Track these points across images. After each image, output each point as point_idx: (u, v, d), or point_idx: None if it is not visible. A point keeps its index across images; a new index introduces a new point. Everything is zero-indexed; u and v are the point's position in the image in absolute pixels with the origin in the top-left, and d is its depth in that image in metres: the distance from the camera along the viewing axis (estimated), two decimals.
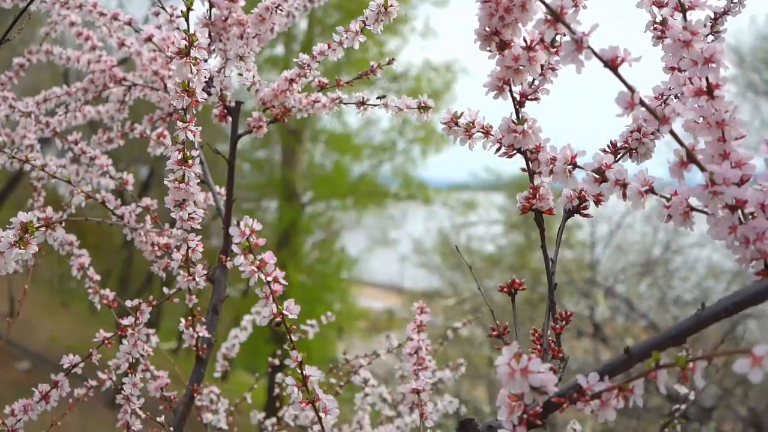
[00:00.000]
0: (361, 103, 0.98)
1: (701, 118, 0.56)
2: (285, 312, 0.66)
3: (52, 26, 1.33)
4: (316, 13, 9.06)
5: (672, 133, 0.53)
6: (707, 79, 0.55)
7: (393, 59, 1.05)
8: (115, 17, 1.12)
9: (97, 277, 1.13)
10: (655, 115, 0.52)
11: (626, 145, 0.71)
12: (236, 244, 0.63)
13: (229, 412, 1.34)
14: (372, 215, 12.13)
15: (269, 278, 0.65)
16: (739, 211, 0.54)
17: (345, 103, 0.99)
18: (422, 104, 0.87)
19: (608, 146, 0.71)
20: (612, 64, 0.52)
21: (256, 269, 0.64)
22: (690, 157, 0.53)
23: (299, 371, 0.67)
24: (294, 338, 0.70)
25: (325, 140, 11.98)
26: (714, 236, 0.54)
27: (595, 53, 0.52)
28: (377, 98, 0.96)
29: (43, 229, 0.67)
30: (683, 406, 1.11)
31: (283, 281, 0.65)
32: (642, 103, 0.52)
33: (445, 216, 11.30)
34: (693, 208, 0.56)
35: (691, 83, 0.57)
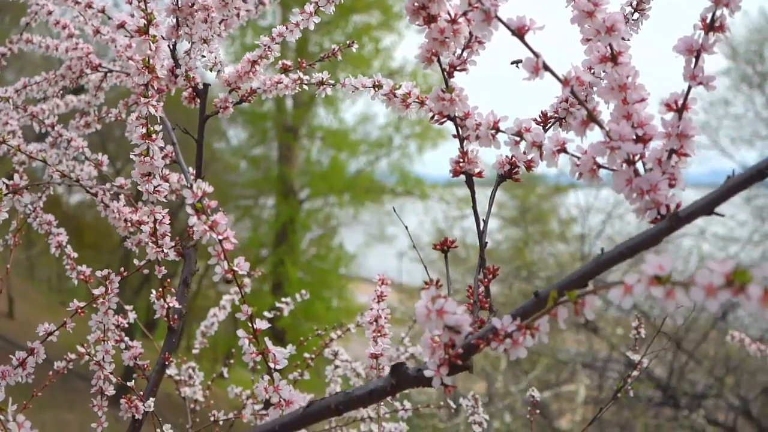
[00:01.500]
0: (321, 83, 1.03)
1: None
2: (236, 268, 0.71)
3: (32, 16, 1.38)
4: None
5: (574, 94, 0.58)
6: (611, 46, 0.60)
7: (353, 42, 1.10)
8: (89, 5, 1.17)
9: (75, 255, 1.18)
10: (557, 78, 0.57)
11: (556, 115, 0.76)
12: (189, 205, 0.68)
13: (205, 386, 1.40)
14: (369, 211, 12.19)
15: (221, 237, 0.70)
16: (640, 165, 0.60)
17: (306, 84, 1.05)
18: (376, 83, 0.93)
19: (539, 115, 0.76)
20: (519, 32, 0.58)
21: (208, 229, 0.69)
22: (591, 117, 0.58)
23: (250, 325, 0.73)
24: (246, 291, 0.75)
25: (321, 137, 12.04)
26: (615, 189, 0.59)
27: (503, 22, 0.57)
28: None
29: (11, 195, 0.72)
30: (635, 373, 1.17)
31: (233, 240, 0.70)
32: (545, 67, 0.57)
33: (441, 211, 11.36)
34: (600, 165, 0.61)
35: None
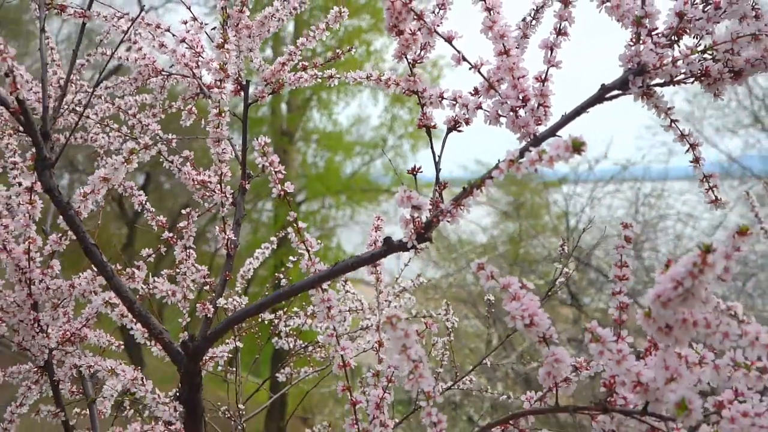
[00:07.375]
0: (331, 77, 1.48)
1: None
2: (286, 188, 1.15)
3: (104, 34, 1.82)
4: (302, 17, 9.60)
5: (480, 73, 1.02)
6: (503, 45, 1.05)
7: (352, 47, 1.54)
8: (158, 26, 1.61)
9: (152, 210, 1.61)
10: (470, 64, 1.01)
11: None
12: (256, 150, 1.13)
13: None
14: (366, 212, 12.60)
15: (276, 169, 1.14)
16: (521, 112, 1.04)
17: (319, 78, 1.49)
18: (369, 74, 1.37)
19: (473, 89, 1.20)
20: (449, 39, 1.02)
21: (268, 165, 1.13)
22: (490, 86, 1.03)
23: (296, 225, 1.16)
24: (295, 215, 1.18)
25: (316, 139, 12.47)
26: (507, 126, 1.03)
27: (438, 34, 1.01)
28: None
29: (143, 150, 1.16)
30: (562, 279, 1.60)
31: (283, 171, 1.14)
32: (463, 58, 1.01)
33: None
34: (499, 114, 1.05)
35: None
